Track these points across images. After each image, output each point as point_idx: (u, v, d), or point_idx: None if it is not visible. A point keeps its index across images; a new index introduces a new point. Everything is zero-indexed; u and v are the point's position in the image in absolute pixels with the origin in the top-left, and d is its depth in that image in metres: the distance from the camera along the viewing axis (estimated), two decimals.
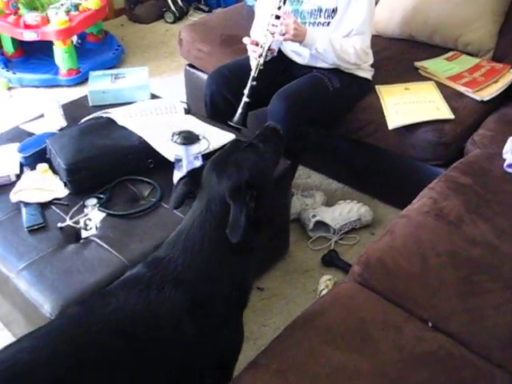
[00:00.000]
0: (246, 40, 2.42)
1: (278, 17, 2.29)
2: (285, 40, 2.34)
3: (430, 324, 1.52)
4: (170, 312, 1.37)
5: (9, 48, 3.95)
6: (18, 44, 3.93)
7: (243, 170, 1.46)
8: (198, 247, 1.42)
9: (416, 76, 2.71)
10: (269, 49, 2.35)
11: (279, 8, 2.30)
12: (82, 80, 3.77)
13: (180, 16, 4.80)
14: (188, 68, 3.22)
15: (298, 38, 2.30)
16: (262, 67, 2.34)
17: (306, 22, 2.41)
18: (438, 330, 1.51)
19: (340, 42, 2.36)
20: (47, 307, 1.61)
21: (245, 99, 2.35)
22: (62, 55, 3.73)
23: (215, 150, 2.11)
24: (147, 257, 1.49)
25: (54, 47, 3.72)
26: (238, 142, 1.61)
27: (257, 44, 2.36)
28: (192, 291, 1.39)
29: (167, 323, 1.37)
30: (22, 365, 1.24)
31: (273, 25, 2.29)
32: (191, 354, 1.39)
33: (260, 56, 2.33)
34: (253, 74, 2.34)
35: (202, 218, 1.44)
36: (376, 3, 2.87)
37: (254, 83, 2.34)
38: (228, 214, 1.39)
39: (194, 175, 1.52)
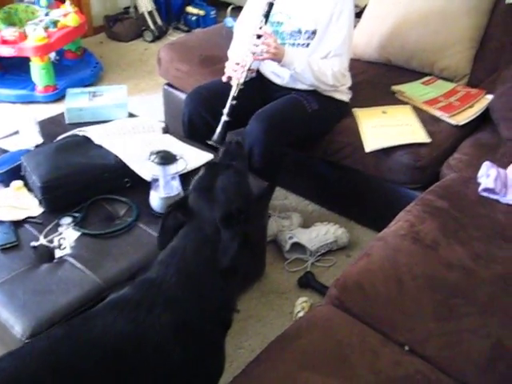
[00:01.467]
0: (228, 64, 2.43)
1: (259, 36, 2.30)
2: (264, 59, 2.35)
3: (407, 348, 1.52)
4: (158, 334, 1.34)
5: None
6: None
7: (232, 197, 1.47)
8: (193, 269, 1.42)
9: (393, 100, 2.75)
10: (249, 69, 2.35)
11: (260, 28, 2.31)
12: (59, 97, 3.74)
13: (159, 35, 4.80)
14: (166, 87, 3.22)
15: (277, 57, 2.32)
16: (242, 86, 2.35)
17: (285, 43, 2.43)
18: (414, 354, 1.50)
19: (318, 64, 2.38)
20: (18, 328, 1.57)
21: (224, 118, 2.35)
22: (39, 72, 3.70)
23: (193, 170, 2.11)
24: (134, 279, 1.46)
25: (31, 63, 3.69)
26: (214, 165, 1.62)
27: (237, 64, 2.37)
28: (182, 312, 1.38)
29: (155, 346, 1.34)
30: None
31: (254, 44, 2.30)
32: (177, 377, 1.37)
33: (240, 75, 2.34)
34: (233, 93, 2.35)
35: (195, 243, 1.44)
36: (354, 27, 2.91)
37: (234, 102, 2.34)
38: (219, 238, 1.41)
39: (180, 207, 1.51)
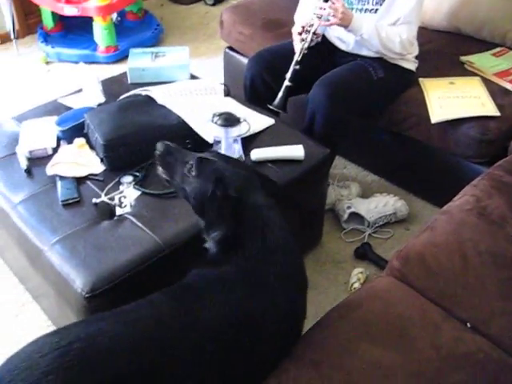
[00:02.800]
0: (294, 29, 2.38)
1: (326, 0, 2.23)
2: (331, 24, 2.29)
3: (469, 325, 1.47)
4: (273, 309, 1.36)
5: (48, 22, 3.95)
6: (58, 18, 3.93)
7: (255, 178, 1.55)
8: (283, 244, 1.44)
9: (461, 71, 2.64)
10: (314, 33, 2.30)
11: None
12: (120, 58, 3.76)
13: None
14: (227, 51, 3.18)
15: (345, 22, 2.25)
16: (306, 51, 2.30)
17: (353, 8, 2.35)
18: (476, 332, 1.46)
19: (386, 30, 2.31)
20: (79, 283, 1.60)
21: (286, 83, 2.31)
22: (101, 32, 3.72)
23: (254, 134, 2.09)
24: (228, 259, 1.43)
25: (93, 23, 3.71)
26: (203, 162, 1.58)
27: (303, 28, 2.31)
28: (287, 291, 1.40)
29: (273, 324, 1.36)
30: (101, 349, 1.20)
31: (320, 8, 2.24)
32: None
33: (305, 39, 2.29)
34: (296, 57, 2.30)
35: (270, 212, 1.47)
36: None
37: (297, 67, 2.30)
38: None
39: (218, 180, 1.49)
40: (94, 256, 1.66)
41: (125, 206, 1.81)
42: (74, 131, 2.08)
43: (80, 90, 2.39)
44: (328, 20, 2.27)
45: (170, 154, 1.61)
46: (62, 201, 1.84)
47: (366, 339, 1.39)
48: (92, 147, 2.03)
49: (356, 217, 2.48)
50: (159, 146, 1.62)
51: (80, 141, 2.04)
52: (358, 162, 2.87)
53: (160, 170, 1.61)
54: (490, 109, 2.34)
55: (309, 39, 2.30)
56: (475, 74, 2.60)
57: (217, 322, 1.30)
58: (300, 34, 2.32)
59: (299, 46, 2.31)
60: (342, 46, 2.52)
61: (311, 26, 2.29)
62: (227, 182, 1.46)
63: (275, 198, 1.51)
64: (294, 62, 2.30)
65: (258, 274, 1.37)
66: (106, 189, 1.88)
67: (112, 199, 1.83)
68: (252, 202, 1.45)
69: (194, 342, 1.26)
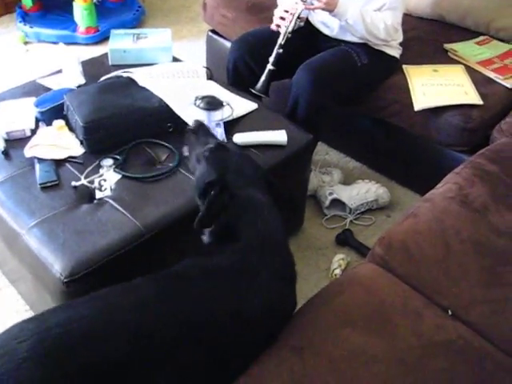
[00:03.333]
0: (277, 11, 2.35)
1: None
2: (316, 8, 2.26)
3: (450, 312, 1.48)
4: (263, 306, 1.35)
5: (27, 1, 3.88)
6: None
7: (258, 169, 1.61)
8: (279, 237, 1.48)
9: (445, 58, 2.64)
10: (298, 17, 2.28)
11: None
12: (100, 39, 3.71)
13: None
14: (210, 34, 3.15)
15: (330, 7, 2.23)
16: (289, 35, 2.28)
17: None
18: (457, 319, 1.46)
19: (371, 16, 2.29)
20: (57, 267, 1.57)
21: (269, 67, 2.30)
22: (81, 12, 3.66)
23: (237, 118, 2.07)
24: (222, 251, 1.43)
25: (73, 4, 3.65)
26: (217, 147, 1.62)
27: (286, 11, 2.29)
28: (280, 286, 1.41)
29: (259, 314, 1.34)
30: (80, 335, 1.17)
31: None
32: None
33: (289, 23, 2.26)
34: (280, 41, 2.28)
35: (265, 206, 1.50)
36: None
37: (281, 51, 2.28)
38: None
39: (225, 189, 1.49)
40: (73, 240, 1.63)
41: (105, 189, 1.78)
42: (53, 113, 2.04)
43: (60, 71, 2.34)
44: (312, 4, 2.24)
45: (197, 133, 1.66)
46: (41, 184, 1.80)
47: (348, 326, 1.39)
48: (71, 129, 2.00)
49: (338, 203, 2.48)
50: (192, 123, 1.71)
51: (59, 122, 2.00)
52: (340, 149, 2.86)
53: (184, 146, 1.70)
54: (472, 97, 2.34)
55: (293, 23, 2.28)
56: (459, 62, 2.60)
57: (203, 311, 1.28)
58: (283, 18, 2.29)
59: (283, 30, 2.28)
60: (326, 31, 2.50)
61: (296, 9, 2.27)
62: (229, 174, 1.50)
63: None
64: (277, 46, 2.28)
65: (250, 266, 1.36)
66: (86, 172, 1.84)
67: (92, 182, 1.79)
68: (249, 196, 1.47)
69: (175, 329, 1.24)
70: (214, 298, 1.30)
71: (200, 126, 1.68)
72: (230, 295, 1.32)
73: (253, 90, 2.31)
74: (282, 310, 1.43)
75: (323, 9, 2.25)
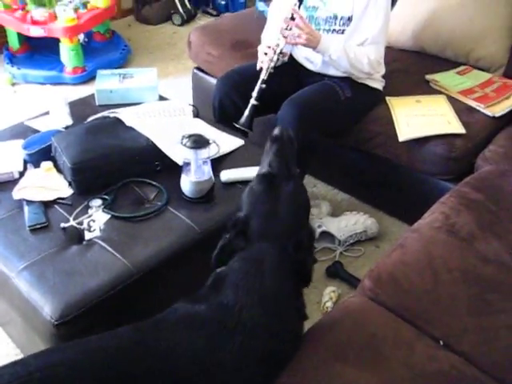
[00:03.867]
0: (260, 47, 2.39)
1: (292, 19, 2.25)
2: (297, 44, 2.31)
3: (442, 342, 1.48)
4: (238, 362, 1.27)
5: (14, 43, 3.91)
6: (24, 39, 3.90)
7: (302, 220, 1.44)
8: (272, 298, 1.35)
9: (427, 89, 2.69)
10: (280, 52, 2.32)
11: (294, 12, 2.27)
12: (88, 79, 3.74)
13: (188, 19, 4.77)
14: (196, 71, 3.19)
15: (311, 43, 2.27)
16: (272, 70, 2.32)
17: (320, 29, 2.38)
18: (449, 349, 1.46)
19: (354, 51, 2.33)
20: (47, 310, 1.56)
21: (252, 101, 2.33)
22: (68, 53, 3.70)
23: (223, 156, 2.09)
24: (207, 299, 1.36)
25: (60, 44, 3.69)
26: (270, 178, 1.47)
27: (269, 47, 2.33)
28: (266, 342, 1.31)
29: (230, 373, 1.27)
30: (61, 380, 1.16)
31: (286, 28, 2.26)
32: None
33: (271, 59, 2.30)
34: (262, 76, 2.32)
35: (268, 268, 1.36)
36: None
37: (264, 86, 2.32)
38: (293, 261, 1.38)
39: (242, 234, 1.41)
40: (63, 282, 1.63)
41: (94, 230, 1.78)
42: (41, 154, 2.05)
43: (47, 113, 2.36)
44: (294, 40, 2.28)
45: (277, 147, 1.53)
46: (30, 226, 1.80)
47: (340, 360, 1.39)
48: (60, 171, 2.00)
49: (327, 235, 2.49)
50: (279, 131, 1.56)
51: (47, 164, 2.01)
52: (327, 181, 2.88)
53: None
54: (455, 126, 2.38)
55: (275, 58, 2.32)
56: (441, 93, 2.64)
57: (175, 359, 1.25)
58: (266, 53, 2.34)
59: (266, 65, 2.32)
60: (310, 66, 2.54)
61: (277, 45, 2.31)
62: (257, 219, 1.41)
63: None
64: (260, 81, 2.32)
65: (228, 321, 1.30)
66: (75, 213, 1.84)
67: (81, 223, 1.80)
68: (259, 252, 1.38)
69: (152, 376, 1.23)
70: (185, 347, 1.27)
71: (280, 146, 1.52)
72: (205, 348, 1.27)
73: (236, 125, 2.34)
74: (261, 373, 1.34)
75: (305, 45, 2.29)
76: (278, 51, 2.32)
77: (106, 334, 1.31)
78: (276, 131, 1.56)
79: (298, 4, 2.29)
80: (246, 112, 2.36)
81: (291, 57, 2.57)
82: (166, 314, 1.36)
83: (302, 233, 1.41)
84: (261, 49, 2.41)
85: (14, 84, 3.81)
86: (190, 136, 1.86)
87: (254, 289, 1.33)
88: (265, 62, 2.35)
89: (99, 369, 1.21)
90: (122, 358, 1.24)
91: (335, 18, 2.36)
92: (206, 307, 1.34)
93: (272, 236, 1.39)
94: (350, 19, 2.35)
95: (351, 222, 2.50)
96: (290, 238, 1.39)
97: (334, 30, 2.38)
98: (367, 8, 2.32)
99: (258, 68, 2.38)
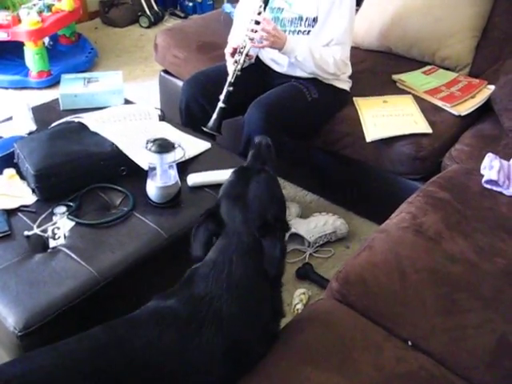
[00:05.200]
0: (226, 50, 2.38)
1: (257, 22, 2.25)
2: (263, 46, 2.30)
3: (410, 343, 1.48)
4: (207, 354, 1.28)
5: None
6: None
7: (267, 204, 1.44)
8: (245, 285, 1.36)
9: (394, 89, 2.70)
10: (247, 54, 2.31)
11: (259, 14, 2.26)
12: (53, 83, 3.68)
13: (155, 21, 4.74)
14: (163, 74, 3.16)
15: (277, 45, 2.27)
16: (239, 73, 2.31)
17: (286, 30, 2.37)
18: (418, 350, 1.47)
19: (320, 52, 2.33)
20: (11, 320, 1.52)
21: (220, 104, 2.32)
22: (32, 56, 3.64)
23: (190, 159, 2.07)
24: (177, 293, 1.37)
25: (24, 48, 3.63)
26: (244, 170, 1.54)
27: (235, 49, 2.32)
28: (234, 332, 1.32)
29: (201, 366, 1.28)
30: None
31: (252, 30, 2.25)
32: None
33: (237, 61, 2.29)
34: (229, 79, 2.31)
35: (240, 255, 1.37)
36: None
37: (231, 89, 2.31)
38: (261, 248, 1.37)
39: (211, 217, 1.43)
40: (27, 292, 1.59)
41: (58, 237, 1.75)
42: (3, 161, 2.00)
43: (10, 118, 2.32)
44: (261, 42, 2.27)
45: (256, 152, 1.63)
46: None
47: (309, 364, 1.38)
48: (23, 177, 1.96)
49: (296, 237, 2.48)
50: (258, 139, 1.68)
51: (10, 171, 1.96)
52: (296, 182, 2.88)
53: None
54: (422, 126, 2.40)
55: (241, 61, 2.31)
56: (407, 92, 2.66)
57: (149, 356, 1.26)
58: (232, 55, 2.32)
59: (232, 68, 2.31)
60: (276, 68, 2.54)
61: (243, 47, 2.30)
62: (227, 205, 1.44)
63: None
64: (227, 84, 2.31)
65: (197, 312, 1.31)
66: (39, 220, 1.81)
67: (45, 231, 1.76)
68: (230, 232, 1.40)
69: (126, 374, 1.23)
70: (156, 342, 1.27)
71: (261, 147, 1.63)
72: (175, 342, 1.28)
73: (205, 129, 2.32)
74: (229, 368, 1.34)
75: (271, 47, 2.28)
76: (244, 53, 2.31)
77: (79, 336, 1.30)
78: (256, 139, 1.68)
79: (263, 6, 2.28)
80: (214, 115, 2.34)
81: (258, 58, 2.56)
82: (138, 311, 1.37)
83: (271, 220, 1.40)
84: (227, 51, 2.40)
85: None
86: (154, 140, 1.84)
87: (222, 278, 1.34)
88: (231, 64, 2.34)
89: (76, 372, 1.21)
90: (97, 358, 1.24)
91: (300, 19, 2.36)
92: (176, 301, 1.34)
93: (240, 220, 1.40)
94: (315, 20, 2.35)
95: (320, 223, 2.50)
96: (258, 222, 1.40)
97: (299, 31, 2.37)
98: (332, 9, 2.32)
99: (228, 71, 2.36)
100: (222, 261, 1.37)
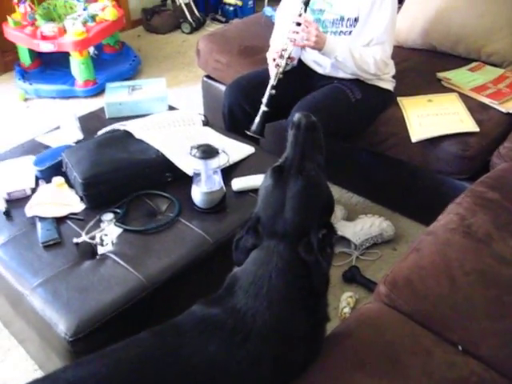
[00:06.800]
0: (268, 54, 2.38)
1: (299, 24, 2.24)
2: (305, 47, 2.29)
3: (460, 348, 1.45)
4: (252, 367, 1.26)
5: (26, 59, 3.94)
6: (35, 55, 3.93)
7: (309, 215, 1.34)
8: (282, 304, 1.31)
9: (438, 87, 2.66)
10: (289, 57, 2.30)
11: (300, 15, 2.26)
12: (99, 91, 3.75)
13: (197, 26, 4.78)
14: (205, 79, 3.18)
15: (319, 45, 2.26)
16: (281, 76, 2.31)
17: (327, 31, 2.36)
18: (468, 354, 1.43)
19: (359, 52, 2.31)
20: (62, 326, 1.56)
21: (263, 108, 2.32)
22: (78, 66, 3.72)
23: (234, 164, 2.08)
24: (221, 302, 1.35)
25: (70, 58, 3.71)
26: (280, 172, 1.38)
27: (277, 52, 2.31)
28: (278, 347, 1.29)
29: (246, 378, 1.27)
30: None
31: (294, 32, 2.25)
32: None
33: (279, 64, 2.29)
34: (272, 82, 2.30)
35: (280, 271, 1.31)
36: (397, 13, 2.82)
37: (273, 92, 2.30)
38: (302, 262, 1.31)
39: (252, 230, 1.38)
40: (77, 298, 1.63)
41: (106, 244, 1.78)
42: (52, 170, 2.05)
43: (58, 128, 2.37)
44: (302, 42, 2.27)
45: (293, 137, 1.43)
46: (43, 242, 1.81)
47: (358, 369, 1.36)
48: (71, 186, 2.01)
49: (342, 240, 2.46)
50: (297, 117, 1.44)
51: (59, 180, 2.01)
52: (341, 184, 2.86)
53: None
54: (469, 125, 2.35)
55: (283, 64, 2.30)
56: (452, 90, 2.61)
57: (194, 366, 1.26)
58: (274, 59, 2.32)
59: (274, 71, 2.31)
60: (319, 70, 2.52)
61: (285, 50, 2.30)
62: (266, 216, 1.35)
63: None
64: (269, 87, 2.30)
65: (241, 324, 1.28)
66: (87, 227, 1.85)
67: (93, 238, 1.79)
68: (268, 251, 1.33)
69: (174, 381, 1.24)
70: (202, 351, 1.27)
71: (299, 129, 1.42)
72: (221, 353, 1.27)
73: (248, 132, 2.32)
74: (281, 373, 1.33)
75: (312, 47, 2.27)
76: (286, 56, 2.31)
77: (128, 342, 1.31)
78: (294, 117, 1.45)
79: (303, 8, 2.27)
80: (257, 119, 2.34)
81: (300, 61, 2.55)
82: (183, 317, 1.36)
83: (313, 232, 1.31)
84: (269, 55, 2.40)
85: (26, 99, 3.84)
86: (199, 146, 1.85)
87: (262, 294, 1.31)
88: (273, 67, 2.34)
89: (126, 379, 1.22)
90: (145, 367, 1.25)
91: (342, 19, 2.34)
92: (220, 310, 1.32)
93: (279, 234, 1.33)
94: (356, 20, 2.33)
95: (367, 226, 2.48)
96: (299, 237, 1.32)
97: (341, 31, 2.36)
98: (373, 8, 2.30)
99: (270, 74, 2.36)
100: (261, 276, 1.32)
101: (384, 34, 2.34)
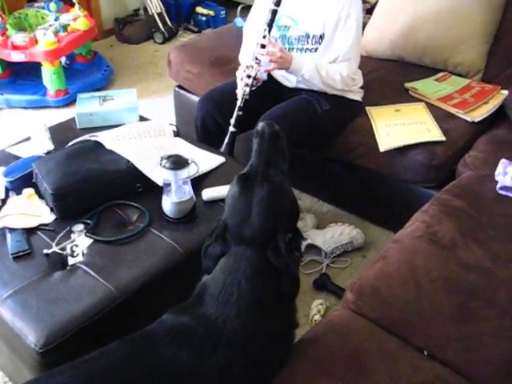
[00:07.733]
0: (238, 72, 2.41)
1: (263, 46, 2.28)
2: (271, 70, 2.35)
3: (426, 353, 1.49)
4: (222, 373, 1.29)
5: None
6: (6, 65, 3.89)
7: (275, 221, 1.37)
8: (251, 310, 1.34)
9: (406, 97, 2.71)
10: (255, 78, 2.34)
11: (264, 37, 2.29)
12: (71, 101, 3.73)
13: (169, 36, 4.78)
14: (177, 89, 3.20)
15: (284, 65, 2.30)
16: (247, 97, 2.34)
17: (293, 48, 2.40)
18: (434, 359, 1.47)
19: (326, 69, 2.35)
20: (32, 337, 1.55)
21: (231, 129, 2.36)
22: (50, 76, 3.70)
23: (204, 174, 2.10)
24: (191, 310, 1.38)
25: (42, 68, 3.69)
26: (246, 180, 1.41)
27: (244, 72, 2.35)
28: (248, 353, 1.32)
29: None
30: None
31: (259, 54, 2.28)
32: None
33: (246, 85, 2.32)
34: (239, 103, 2.34)
35: (249, 277, 1.34)
36: (365, 25, 2.88)
37: (240, 113, 2.35)
38: (273, 266, 1.34)
39: (219, 238, 1.40)
40: (47, 309, 1.62)
41: (77, 254, 1.78)
42: (22, 181, 2.04)
43: (28, 138, 2.36)
44: (268, 65, 2.31)
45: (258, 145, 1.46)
46: (13, 254, 1.80)
47: (325, 376, 1.39)
48: (41, 197, 2.00)
49: (313, 248, 2.49)
50: (261, 126, 1.48)
51: (29, 191, 2.00)
52: (312, 193, 2.89)
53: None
54: (435, 134, 2.40)
55: (250, 84, 2.34)
56: (420, 100, 2.66)
57: (165, 374, 1.27)
58: (242, 79, 2.35)
59: (241, 92, 2.34)
60: (287, 84, 2.56)
61: (250, 73, 2.34)
62: (234, 223, 1.38)
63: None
64: (236, 108, 2.34)
65: (211, 332, 1.31)
66: (58, 238, 1.84)
67: (64, 249, 1.79)
68: (236, 257, 1.37)
69: None
70: (174, 359, 1.29)
71: (263, 137, 1.46)
72: (191, 361, 1.29)
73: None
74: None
75: (278, 68, 2.31)
76: (252, 77, 2.34)
77: (99, 353, 1.32)
78: (258, 127, 1.49)
79: (267, 29, 2.30)
80: (226, 139, 2.38)
81: (269, 75, 2.57)
82: (154, 326, 1.38)
83: (280, 237, 1.35)
84: (239, 74, 2.42)
85: None
86: (168, 157, 1.87)
87: (231, 301, 1.33)
88: (239, 89, 2.37)
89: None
90: (118, 376, 1.27)
91: (307, 36, 2.38)
92: (190, 318, 1.35)
93: (247, 240, 1.36)
94: (321, 37, 2.37)
95: (337, 234, 2.51)
96: (266, 242, 1.35)
97: (306, 48, 2.40)
98: (338, 25, 2.33)
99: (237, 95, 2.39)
100: (230, 283, 1.34)
101: (350, 51, 2.38)
